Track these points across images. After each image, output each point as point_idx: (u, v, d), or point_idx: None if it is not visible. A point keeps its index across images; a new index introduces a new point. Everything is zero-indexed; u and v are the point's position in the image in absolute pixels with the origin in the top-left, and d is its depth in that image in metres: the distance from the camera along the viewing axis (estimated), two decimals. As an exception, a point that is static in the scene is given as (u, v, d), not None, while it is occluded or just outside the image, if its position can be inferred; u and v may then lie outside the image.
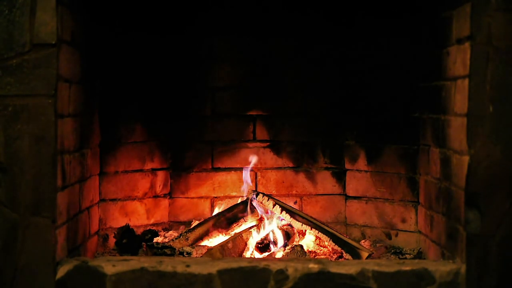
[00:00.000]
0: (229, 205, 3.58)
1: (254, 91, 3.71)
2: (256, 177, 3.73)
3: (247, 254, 3.25)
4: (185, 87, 3.67)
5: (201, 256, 3.04)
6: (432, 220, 3.06)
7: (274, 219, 3.44)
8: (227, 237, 3.32)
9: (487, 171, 2.46)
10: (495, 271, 2.46)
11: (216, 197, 3.73)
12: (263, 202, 3.45)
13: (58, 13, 2.46)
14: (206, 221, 3.44)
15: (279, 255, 3.24)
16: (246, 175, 3.61)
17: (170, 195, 3.71)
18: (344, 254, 3.22)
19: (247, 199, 3.51)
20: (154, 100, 3.58)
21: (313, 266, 2.48)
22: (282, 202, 3.50)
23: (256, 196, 3.47)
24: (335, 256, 3.27)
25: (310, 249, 3.36)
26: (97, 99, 3.23)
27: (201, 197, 3.73)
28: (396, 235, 3.48)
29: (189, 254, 3.12)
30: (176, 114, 3.66)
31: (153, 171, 3.61)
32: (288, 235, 3.36)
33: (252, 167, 3.69)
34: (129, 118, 3.49)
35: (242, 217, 3.46)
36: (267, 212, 3.46)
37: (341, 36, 3.61)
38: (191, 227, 3.45)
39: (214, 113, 3.72)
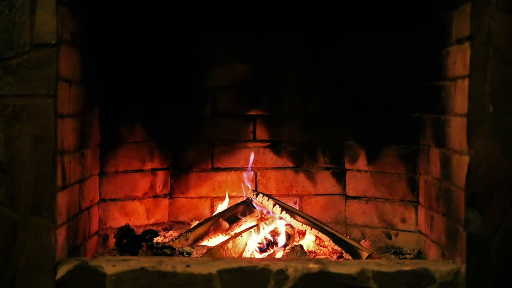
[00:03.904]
0: (229, 205, 3.58)
1: (254, 91, 3.72)
2: (256, 177, 3.73)
3: (247, 254, 3.25)
4: (185, 87, 3.67)
5: (201, 256, 3.04)
6: (432, 220, 3.06)
7: (274, 219, 3.44)
8: (227, 237, 3.32)
9: (487, 171, 2.45)
10: (495, 271, 2.46)
11: (216, 197, 3.73)
12: (263, 202, 3.45)
13: (58, 13, 2.46)
14: (206, 221, 3.44)
15: (279, 255, 3.24)
16: (247, 177, 3.62)
17: (170, 195, 3.71)
18: (344, 254, 3.22)
19: (247, 199, 3.51)
20: (154, 100, 3.58)
21: (313, 266, 2.48)
22: (282, 202, 3.50)
23: (256, 196, 3.47)
24: (335, 256, 3.27)
25: (310, 249, 3.36)
26: (97, 99, 3.23)
27: (201, 197, 3.73)
28: (396, 235, 3.48)
29: (189, 254, 3.12)
30: (176, 114, 3.66)
31: (153, 171, 3.61)
32: (288, 235, 3.36)
33: (252, 168, 3.70)
34: (129, 118, 3.49)
35: (242, 217, 3.46)
36: (267, 212, 3.47)
37: (341, 36, 3.61)
38: (191, 227, 3.45)
39: (214, 113, 3.72)
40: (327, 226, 3.41)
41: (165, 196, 3.68)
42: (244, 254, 3.24)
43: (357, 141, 3.64)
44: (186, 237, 3.29)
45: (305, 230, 3.40)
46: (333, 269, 2.47)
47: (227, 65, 3.70)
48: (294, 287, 2.46)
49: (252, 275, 2.46)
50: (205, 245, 3.25)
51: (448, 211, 2.76)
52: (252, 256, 3.24)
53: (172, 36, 3.60)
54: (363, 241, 3.51)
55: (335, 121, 3.69)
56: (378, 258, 3.14)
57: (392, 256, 3.27)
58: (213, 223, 3.42)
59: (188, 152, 3.71)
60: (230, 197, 3.68)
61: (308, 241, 3.41)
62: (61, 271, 2.46)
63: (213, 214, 3.58)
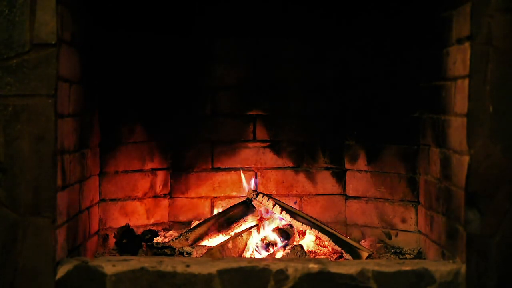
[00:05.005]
0: (229, 205, 3.58)
1: (254, 91, 3.71)
2: (256, 177, 3.73)
3: (247, 254, 3.25)
4: (185, 87, 3.67)
5: (201, 256, 3.04)
6: (432, 220, 3.06)
7: (274, 219, 3.44)
8: (227, 237, 3.32)
9: (487, 171, 2.46)
10: (495, 271, 2.46)
11: (216, 197, 3.73)
12: (263, 202, 3.45)
13: (58, 13, 2.46)
14: (206, 221, 3.44)
15: (279, 255, 3.24)
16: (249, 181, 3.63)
17: (170, 195, 3.71)
18: (344, 254, 3.22)
19: (247, 199, 3.51)
20: (154, 100, 3.58)
21: (313, 266, 2.48)
22: (282, 202, 3.50)
23: (256, 196, 3.47)
24: (335, 256, 3.27)
25: (310, 249, 3.36)
26: (97, 99, 3.23)
27: (201, 197, 3.73)
28: (396, 235, 3.48)
29: (189, 254, 3.12)
30: (176, 114, 3.66)
31: (153, 171, 3.61)
32: (288, 235, 3.36)
33: (252, 167, 3.71)
34: (129, 118, 3.49)
35: (242, 217, 3.46)
36: (267, 212, 3.47)
37: (341, 36, 3.61)
38: (191, 227, 3.45)
39: (214, 113, 3.72)
40: (327, 226, 3.41)
41: (165, 196, 3.68)
42: (244, 254, 3.24)
43: (357, 141, 3.64)
44: (186, 237, 3.29)
45: (305, 230, 3.40)
46: (333, 269, 2.47)
47: (227, 65, 3.70)
48: (294, 287, 2.46)
49: (252, 275, 2.46)
50: (205, 245, 3.25)
51: (448, 211, 2.76)
52: (252, 256, 3.24)
53: (172, 36, 3.60)
54: (363, 241, 3.50)
55: (335, 121, 3.69)
56: (378, 258, 3.14)
57: (392, 256, 3.27)
58: (213, 223, 3.42)
59: (188, 152, 3.71)
60: (230, 197, 3.68)
61: (308, 241, 3.41)
62: (61, 271, 2.46)
63: (213, 214, 3.58)
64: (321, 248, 3.38)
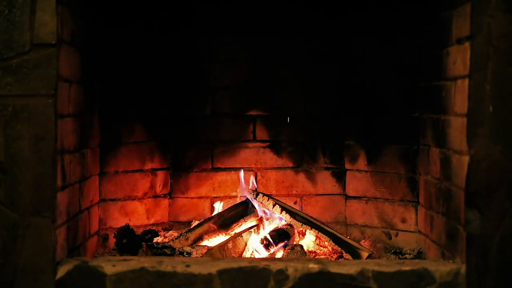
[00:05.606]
0: (229, 205, 3.58)
1: (254, 91, 3.72)
2: (256, 177, 3.73)
3: (247, 254, 3.25)
4: (185, 87, 3.67)
5: (201, 256, 3.04)
6: (432, 220, 3.06)
7: (274, 219, 3.44)
8: (227, 237, 3.32)
9: (487, 171, 2.45)
10: (495, 271, 2.46)
11: (216, 197, 3.73)
12: (263, 202, 3.45)
13: (58, 13, 2.46)
14: (206, 221, 3.44)
15: (279, 255, 3.24)
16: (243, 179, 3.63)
17: (170, 195, 3.71)
18: (344, 254, 3.22)
19: (247, 199, 3.51)
20: (154, 100, 3.58)
21: (313, 266, 2.48)
22: (282, 202, 3.50)
23: (256, 196, 3.47)
24: (335, 256, 3.27)
25: (310, 249, 3.36)
26: (97, 99, 3.23)
27: (201, 197, 3.73)
28: (396, 235, 3.48)
29: (189, 254, 3.12)
30: (176, 114, 3.66)
31: (153, 171, 3.61)
32: (288, 235, 3.36)
33: (252, 167, 3.71)
34: (129, 118, 3.49)
35: (242, 217, 3.46)
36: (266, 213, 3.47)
37: (341, 36, 3.62)
38: (191, 227, 3.45)
39: (214, 113, 3.72)
40: (327, 226, 3.41)
41: (165, 196, 3.68)
42: (244, 254, 3.24)
43: (357, 141, 3.64)
44: (186, 237, 3.29)
45: (305, 230, 3.40)
46: (333, 269, 2.47)
47: (227, 65, 3.70)
48: (294, 287, 2.46)
49: (252, 275, 2.46)
50: (205, 245, 3.25)
51: (448, 211, 2.76)
52: (252, 256, 3.24)
53: (172, 36, 3.60)
54: (363, 241, 3.50)
55: (335, 121, 3.69)
56: (378, 258, 3.14)
57: (392, 256, 3.27)
58: (213, 223, 3.42)
59: (188, 152, 3.71)
60: (230, 197, 3.68)
61: (308, 241, 3.41)
62: (61, 271, 2.46)
63: (213, 214, 3.58)
64: (321, 248, 3.38)
